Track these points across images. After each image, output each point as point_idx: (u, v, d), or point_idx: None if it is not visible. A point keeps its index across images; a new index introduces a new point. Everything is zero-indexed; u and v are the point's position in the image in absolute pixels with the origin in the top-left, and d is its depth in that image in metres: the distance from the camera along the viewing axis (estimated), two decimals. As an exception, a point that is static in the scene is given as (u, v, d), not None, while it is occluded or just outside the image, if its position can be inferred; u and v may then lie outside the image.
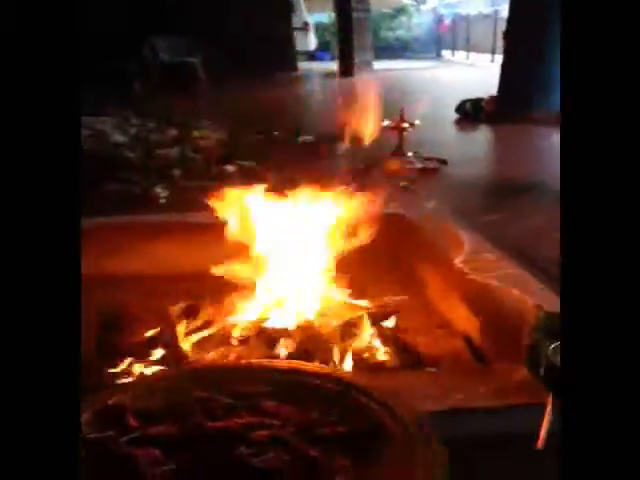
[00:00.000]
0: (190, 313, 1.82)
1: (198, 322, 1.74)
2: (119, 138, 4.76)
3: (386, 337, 1.69)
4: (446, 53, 19.36)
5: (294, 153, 4.56)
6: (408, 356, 1.65)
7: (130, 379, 1.44)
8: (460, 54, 18.42)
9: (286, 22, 12.67)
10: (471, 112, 6.56)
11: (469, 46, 18.06)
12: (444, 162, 4.40)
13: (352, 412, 1.12)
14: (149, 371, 1.53)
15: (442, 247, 2.06)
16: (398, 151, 4.42)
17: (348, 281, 1.89)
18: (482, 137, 6.26)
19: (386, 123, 4.40)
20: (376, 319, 1.74)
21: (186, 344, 1.66)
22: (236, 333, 1.65)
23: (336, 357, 1.54)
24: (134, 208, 2.94)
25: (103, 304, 1.98)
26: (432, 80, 11.73)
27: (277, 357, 1.50)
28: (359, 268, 2.13)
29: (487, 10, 18.15)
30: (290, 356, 1.49)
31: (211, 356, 1.57)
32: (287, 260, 1.77)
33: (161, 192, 3.28)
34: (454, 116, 6.63)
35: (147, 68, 9.56)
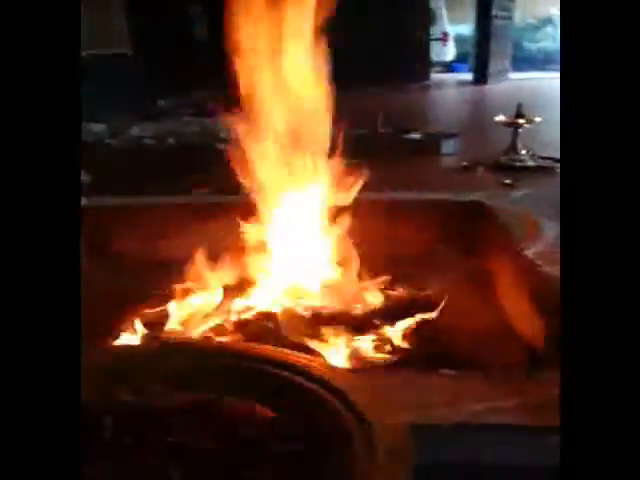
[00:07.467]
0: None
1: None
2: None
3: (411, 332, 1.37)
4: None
5: (399, 150, 4.21)
6: (435, 356, 1.31)
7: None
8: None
9: (423, 32, 12.13)
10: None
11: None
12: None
13: (305, 411, 0.84)
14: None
15: (516, 236, 1.68)
16: (511, 149, 3.96)
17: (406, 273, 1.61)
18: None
19: (499, 118, 3.99)
20: (413, 311, 1.43)
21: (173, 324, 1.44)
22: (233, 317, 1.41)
23: (335, 348, 1.25)
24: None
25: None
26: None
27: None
28: (426, 259, 1.86)
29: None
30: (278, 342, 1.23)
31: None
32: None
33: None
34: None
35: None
